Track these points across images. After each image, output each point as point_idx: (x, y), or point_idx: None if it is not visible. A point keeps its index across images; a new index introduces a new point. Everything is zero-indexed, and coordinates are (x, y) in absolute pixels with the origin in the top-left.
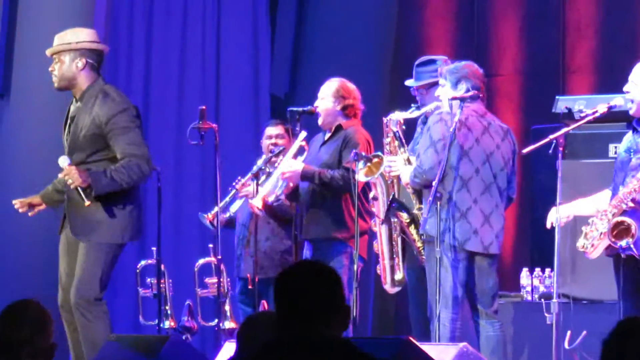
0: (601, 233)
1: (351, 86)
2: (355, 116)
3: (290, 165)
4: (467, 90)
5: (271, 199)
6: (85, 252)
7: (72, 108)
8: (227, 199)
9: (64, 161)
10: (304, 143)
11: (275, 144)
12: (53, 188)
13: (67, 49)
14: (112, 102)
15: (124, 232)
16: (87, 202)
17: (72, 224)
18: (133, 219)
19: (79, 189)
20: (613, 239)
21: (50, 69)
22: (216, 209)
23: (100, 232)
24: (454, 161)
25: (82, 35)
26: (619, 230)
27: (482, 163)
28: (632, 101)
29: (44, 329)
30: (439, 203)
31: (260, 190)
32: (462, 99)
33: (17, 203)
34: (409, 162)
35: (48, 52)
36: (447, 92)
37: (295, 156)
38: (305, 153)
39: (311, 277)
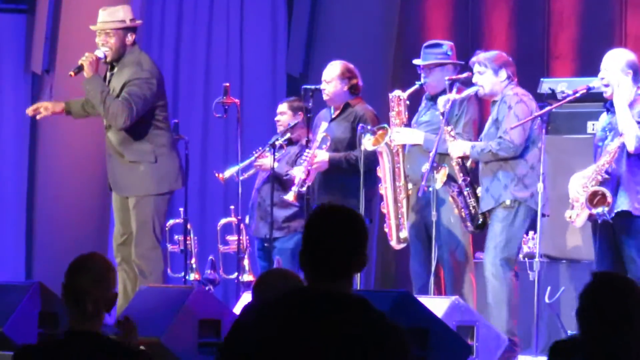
0: (582, 203)
1: (351, 66)
2: (358, 93)
3: (318, 155)
4: (509, 76)
5: (303, 189)
6: (134, 207)
7: (108, 75)
8: (244, 163)
9: (99, 51)
10: (325, 134)
11: (277, 120)
12: (82, 104)
13: (121, 26)
14: (140, 69)
15: (165, 182)
16: (71, 72)
17: (114, 183)
18: (173, 168)
19: (80, 65)
20: (591, 207)
21: (101, 42)
22: (232, 170)
23: (143, 185)
24: (535, 135)
25: (129, 13)
26: (597, 199)
27: None
28: (607, 85)
29: (106, 279)
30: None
31: (293, 188)
32: (509, 82)
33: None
34: (451, 136)
35: (100, 27)
36: (489, 77)
37: (320, 146)
38: (329, 142)
39: (340, 224)
